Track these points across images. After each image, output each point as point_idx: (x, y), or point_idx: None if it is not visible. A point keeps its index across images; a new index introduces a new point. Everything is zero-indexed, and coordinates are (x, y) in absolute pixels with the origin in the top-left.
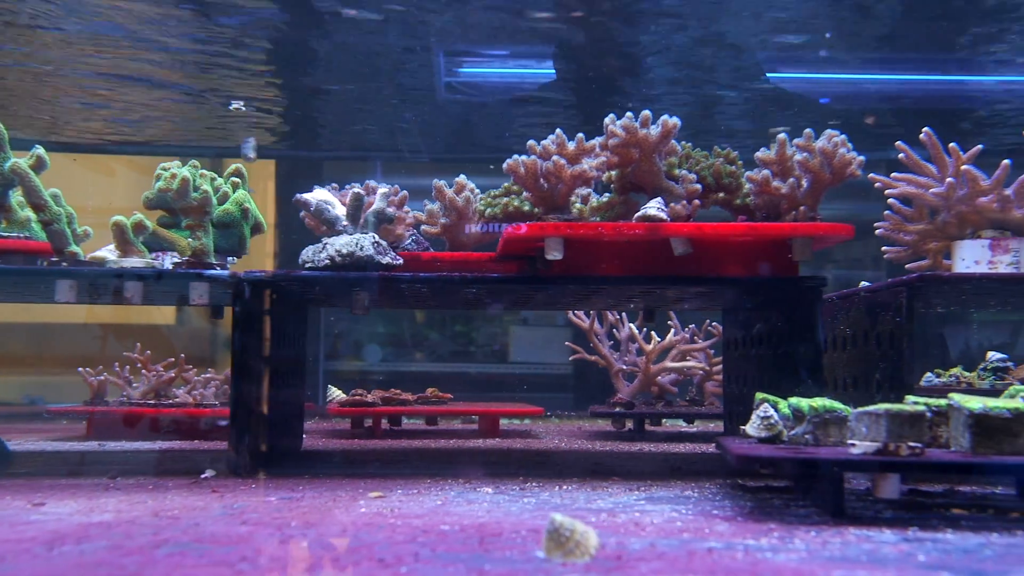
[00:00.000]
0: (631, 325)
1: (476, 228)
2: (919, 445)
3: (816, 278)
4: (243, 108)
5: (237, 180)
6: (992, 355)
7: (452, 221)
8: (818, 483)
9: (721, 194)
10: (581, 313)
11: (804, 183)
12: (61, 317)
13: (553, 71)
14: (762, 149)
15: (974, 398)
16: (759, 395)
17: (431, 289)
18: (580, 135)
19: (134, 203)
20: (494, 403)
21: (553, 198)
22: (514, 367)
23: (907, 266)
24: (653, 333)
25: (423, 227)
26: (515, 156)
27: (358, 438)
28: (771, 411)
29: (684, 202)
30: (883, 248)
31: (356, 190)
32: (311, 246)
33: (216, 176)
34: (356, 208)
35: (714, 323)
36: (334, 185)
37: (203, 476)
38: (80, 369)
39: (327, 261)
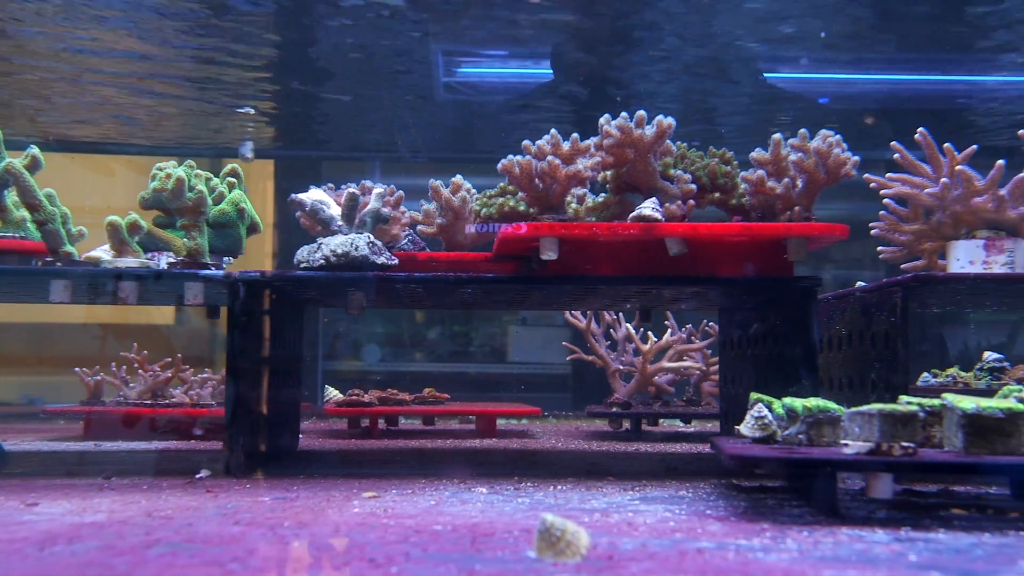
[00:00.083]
0: (628, 325)
1: (472, 228)
2: (912, 445)
3: (811, 278)
4: (252, 112)
5: (233, 180)
6: (988, 355)
7: (448, 221)
8: (812, 483)
9: (716, 194)
10: (578, 313)
11: (799, 183)
12: (60, 317)
13: (551, 71)
14: (757, 149)
15: (967, 398)
16: (754, 395)
17: (426, 289)
18: (575, 135)
19: (133, 203)
20: (491, 403)
21: (548, 198)
22: (513, 367)
23: (902, 266)
24: (650, 333)
25: (419, 227)
26: (510, 156)
27: (355, 438)
28: (765, 411)
29: (679, 202)
30: (878, 248)
31: (351, 190)
32: (306, 246)
33: (212, 176)
34: (351, 208)
35: (711, 323)
36: (330, 185)
37: (198, 476)
38: (76, 369)
39: (322, 261)
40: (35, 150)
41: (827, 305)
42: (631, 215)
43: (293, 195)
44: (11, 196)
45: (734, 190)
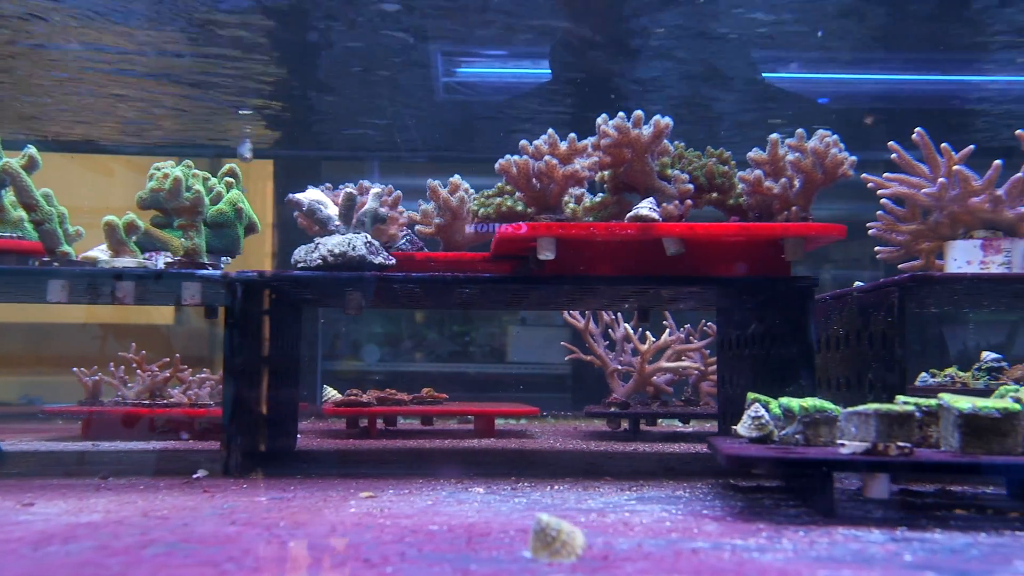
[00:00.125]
0: (626, 325)
1: (471, 228)
2: (908, 445)
3: (808, 278)
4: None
5: (231, 180)
6: (986, 355)
7: (446, 221)
8: (808, 483)
9: (714, 194)
10: (576, 313)
11: (796, 183)
12: (60, 317)
13: (549, 71)
14: (755, 149)
15: (963, 398)
16: (750, 395)
17: (424, 289)
18: (572, 135)
19: (132, 203)
20: (489, 403)
21: (545, 198)
22: (512, 367)
23: (900, 266)
24: (648, 333)
25: (417, 227)
26: (507, 156)
27: (353, 438)
28: (762, 411)
29: (676, 202)
30: (876, 248)
31: (348, 190)
32: (303, 246)
33: (210, 176)
34: (348, 208)
35: (709, 323)
36: (327, 185)
37: (195, 476)
38: (75, 369)
39: (319, 261)
40: (32, 150)
41: (825, 305)
42: (628, 215)
43: (290, 195)
44: (8, 196)
45: (732, 190)
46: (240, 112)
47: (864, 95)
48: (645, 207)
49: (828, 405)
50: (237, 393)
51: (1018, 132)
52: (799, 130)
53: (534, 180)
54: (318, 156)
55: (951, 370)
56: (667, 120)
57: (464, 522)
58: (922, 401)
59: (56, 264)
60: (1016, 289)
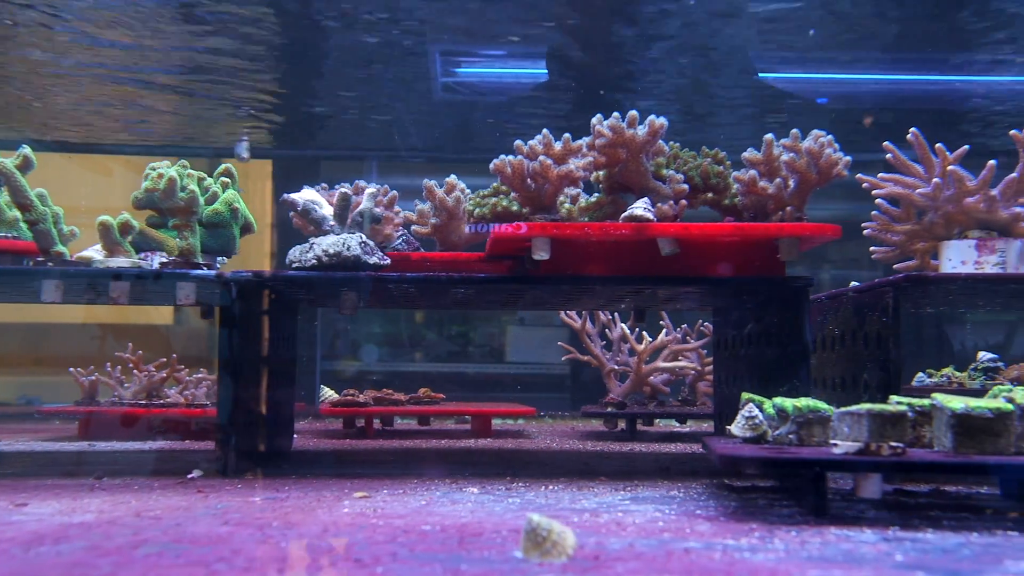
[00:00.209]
0: (623, 325)
1: (470, 228)
2: (901, 445)
3: (803, 278)
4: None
5: (227, 180)
6: (983, 355)
7: (442, 221)
8: (801, 483)
9: (709, 194)
10: (573, 313)
11: (791, 183)
12: (59, 317)
13: (546, 71)
14: (749, 149)
15: (956, 398)
16: (745, 395)
17: (419, 289)
18: (567, 135)
19: (130, 203)
20: (486, 403)
21: (540, 198)
22: (511, 367)
23: (895, 266)
24: (645, 333)
25: (414, 227)
26: (502, 156)
27: (349, 438)
28: (756, 411)
29: (671, 202)
30: (871, 248)
31: (343, 190)
32: (298, 246)
33: (205, 176)
34: (343, 208)
35: (706, 323)
36: (323, 185)
37: (190, 476)
38: (71, 369)
39: (314, 261)
40: (27, 150)
41: (820, 305)
42: (623, 215)
43: (285, 195)
44: (3, 196)
45: (727, 190)
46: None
47: (863, 95)
48: (640, 207)
49: (822, 405)
50: (232, 393)
51: (1012, 132)
52: (794, 130)
53: (529, 180)
54: (317, 156)
55: (948, 370)
56: (662, 120)
57: (457, 522)
58: (915, 401)
59: (50, 264)
60: (1011, 289)
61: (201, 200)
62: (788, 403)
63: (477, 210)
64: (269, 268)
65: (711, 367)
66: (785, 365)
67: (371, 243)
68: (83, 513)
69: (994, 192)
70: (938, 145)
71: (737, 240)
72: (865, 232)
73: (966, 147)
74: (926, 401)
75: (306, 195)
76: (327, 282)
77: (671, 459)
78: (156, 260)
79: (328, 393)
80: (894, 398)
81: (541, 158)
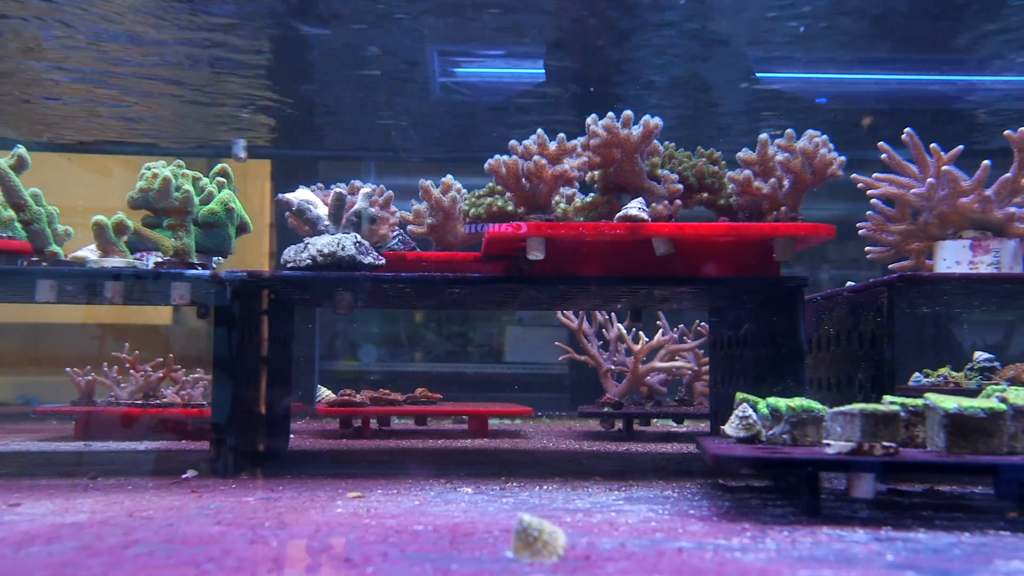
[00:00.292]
0: (619, 325)
1: (470, 229)
2: (893, 445)
3: (797, 278)
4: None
5: (222, 180)
6: (979, 355)
7: (438, 221)
8: (794, 483)
9: (704, 194)
10: (570, 313)
11: (786, 183)
12: (58, 317)
13: (543, 71)
14: (744, 149)
15: (950, 398)
16: (739, 395)
17: (414, 289)
18: (561, 135)
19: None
20: (483, 403)
21: (535, 198)
22: (510, 367)
23: (890, 266)
24: (641, 333)
25: (410, 227)
26: (497, 156)
27: (346, 438)
28: (750, 411)
29: (666, 202)
30: (866, 248)
31: (338, 190)
32: (293, 246)
33: (201, 176)
34: (338, 208)
35: (703, 323)
36: (319, 185)
37: (184, 476)
38: (68, 369)
39: (308, 261)
40: (21, 149)
41: (816, 305)
42: (617, 215)
43: (280, 195)
44: None
45: (722, 190)
46: (239, 111)
47: (862, 95)
48: (634, 207)
49: (815, 405)
50: (227, 393)
51: (1006, 133)
52: (788, 130)
53: (523, 180)
54: (315, 156)
55: (944, 370)
56: (656, 120)
57: (449, 522)
58: (908, 401)
59: (44, 264)
60: (1005, 289)
61: (196, 200)
62: (782, 403)
63: (472, 210)
64: (268, 268)
65: (708, 367)
66: (780, 365)
67: (366, 243)
68: (76, 513)
69: (988, 192)
70: (933, 145)
71: (732, 240)
72: (860, 232)
73: (960, 147)
74: (919, 401)
75: (301, 195)
76: (322, 282)
77: (666, 459)
78: (151, 260)
79: (325, 393)
80: (887, 398)
81: (536, 158)
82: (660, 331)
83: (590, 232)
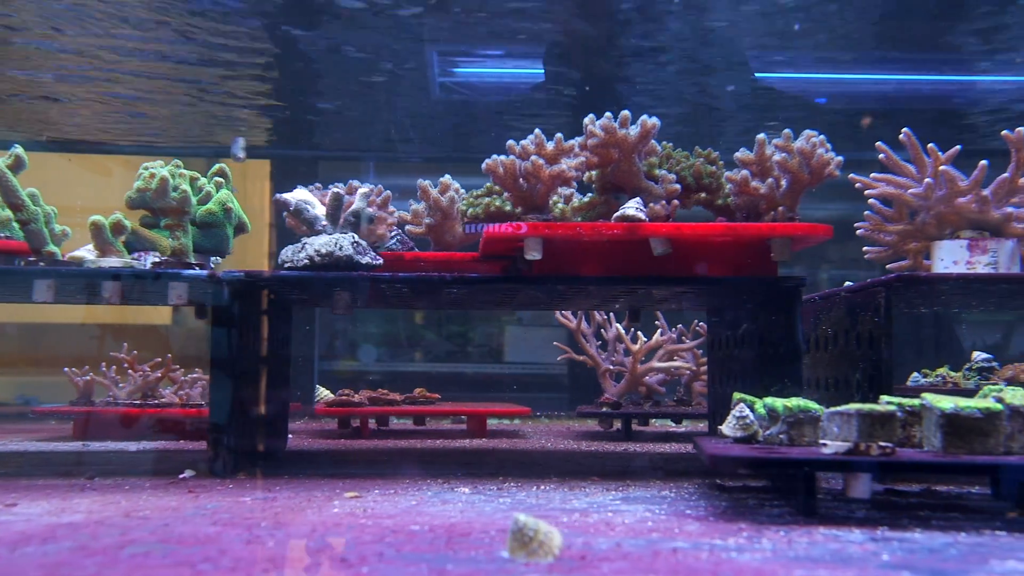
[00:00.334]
0: (618, 325)
1: (470, 228)
2: (890, 445)
3: (795, 278)
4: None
5: (221, 180)
6: (977, 355)
7: (437, 221)
8: (791, 483)
9: (702, 194)
10: (568, 313)
11: (783, 183)
12: (58, 317)
13: (542, 71)
14: (742, 149)
15: (946, 398)
16: (736, 395)
17: (411, 289)
18: (559, 135)
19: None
20: (481, 403)
21: (533, 198)
22: (510, 367)
23: (887, 266)
24: (640, 333)
25: (408, 227)
26: (494, 156)
27: (344, 438)
28: (747, 411)
29: (663, 202)
30: (864, 248)
31: (335, 190)
32: (290, 246)
33: (199, 176)
34: (336, 208)
35: (701, 323)
36: (317, 185)
37: (181, 476)
38: (66, 369)
39: (306, 261)
40: (19, 149)
41: (814, 305)
42: (615, 215)
43: (277, 195)
44: None
45: (719, 190)
46: (239, 111)
47: (861, 95)
48: (631, 207)
49: (812, 405)
50: (224, 393)
51: (1004, 133)
52: (786, 130)
53: (521, 180)
54: (315, 156)
55: (943, 370)
56: (654, 120)
57: (446, 522)
58: (905, 401)
59: (42, 264)
60: (1002, 289)
61: (194, 200)
62: (779, 403)
63: (470, 210)
64: (268, 268)
65: (706, 367)
66: (777, 365)
67: (363, 243)
68: (72, 513)
69: (986, 192)
70: (930, 145)
71: (729, 240)
72: (858, 232)
73: (958, 147)
74: (916, 401)
75: (299, 195)
76: (319, 282)
77: (664, 459)
78: (149, 260)
79: (324, 393)
80: (884, 398)
81: (533, 158)
82: (659, 331)
83: (588, 232)
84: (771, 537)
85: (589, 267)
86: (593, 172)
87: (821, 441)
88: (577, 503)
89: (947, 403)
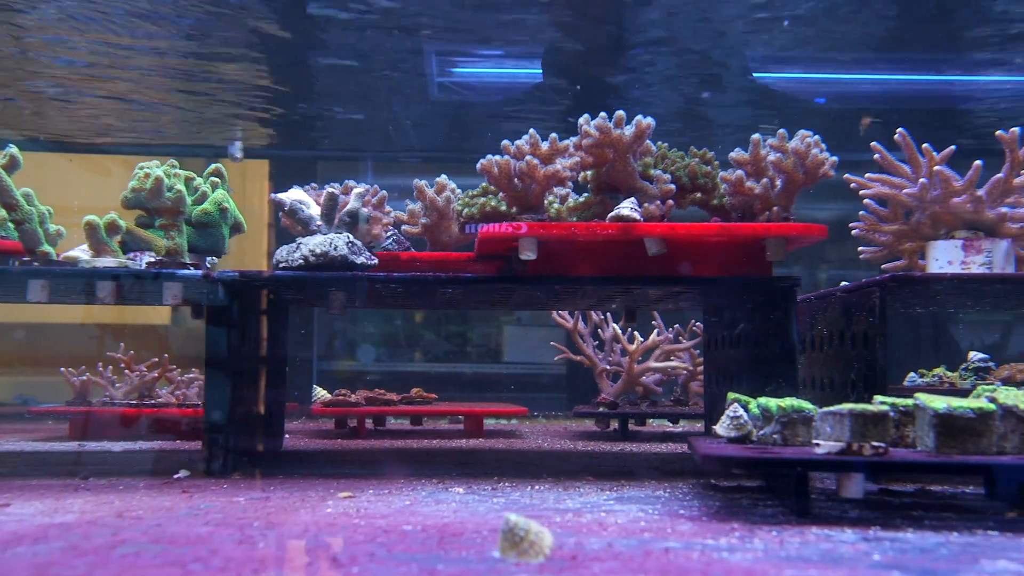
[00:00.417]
0: (614, 325)
1: (466, 228)
2: (883, 445)
3: (789, 278)
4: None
5: (216, 180)
6: (974, 355)
7: (433, 221)
8: (784, 483)
9: (697, 194)
10: (565, 313)
11: (778, 183)
12: (58, 317)
13: (540, 71)
14: (736, 149)
15: (939, 398)
16: (731, 395)
17: (406, 289)
18: (554, 135)
19: None
20: (478, 403)
21: (528, 198)
22: (508, 367)
23: (882, 266)
24: (636, 333)
25: (404, 227)
26: (489, 156)
27: (341, 438)
28: (741, 411)
29: (658, 202)
30: (859, 248)
31: (330, 190)
32: (285, 246)
33: (194, 176)
34: (331, 208)
35: (698, 323)
36: (313, 185)
37: (176, 476)
38: (62, 369)
39: (300, 261)
40: (13, 149)
41: (810, 305)
42: (609, 215)
43: (272, 195)
44: None
45: (715, 190)
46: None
47: (860, 95)
48: (626, 207)
49: (806, 405)
50: (219, 393)
51: (998, 133)
52: (780, 130)
53: (516, 180)
54: (314, 156)
55: (939, 370)
56: (649, 120)
57: (439, 522)
58: (898, 401)
59: (36, 264)
60: (997, 289)
61: (188, 200)
62: (772, 403)
63: (466, 210)
64: (267, 268)
65: (703, 367)
66: (772, 365)
67: (358, 243)
68: (65, 513)
69: (980, 192)
70: (925, 145)
71: (724, 240)
72: (853, 232)
73: (952, 147)
74: (909, 401)
75: (294, 195)
76: (314, 282)
77: (660, 459)
78: (144, 260)
79: (321, 393)
80: (878, 398)
81: (528, 158)
82: (655, 331)
83: (582, 232)
84: (763, 537)
85: (584, 267)
86: (588, 172)
87: (815, 441)
88: (571, 503)
89: (940, 403)
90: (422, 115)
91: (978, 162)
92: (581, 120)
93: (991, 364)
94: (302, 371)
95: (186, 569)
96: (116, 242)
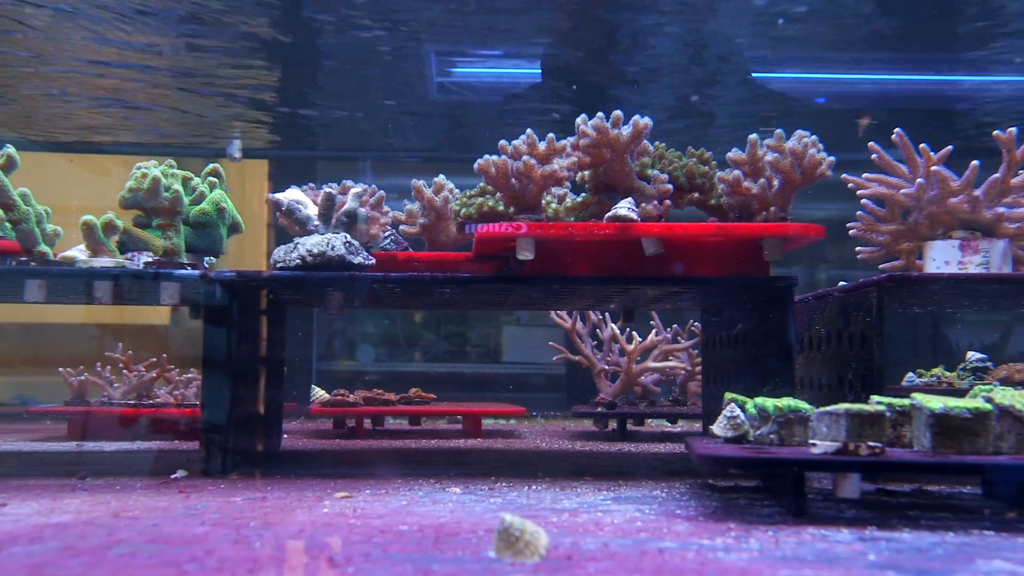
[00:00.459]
0: (613, 325)
1: (469, 228)
2: (879, 445)
3: (787, 278)
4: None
5: (214, 180)
6: (972, 355)
7: (431, 221)
8: (781, 483)
9: (695, 194)
10: (563, 313)
11: (775, 183)
12: (57, 317)
13: (539, 71)
14: (734, 149)
15: (936, 398)
16: (728, 395)
17: (403, 289)
18: (551, 135)
19: None
20: (476, 403)
21: (525, 198)
22: (508, 367)
23: (880, 266)
24: (635, 333)
25: (402, 227)
26: (486, 156)
27: (339, 438)
28: (737, 411)
29: (655, 202)
30: (857, 248)
31: (328, 190)
32: (282, 246)
33: (192, 176)
34: (328, 208)
35: (696, 323)
36: (311, 185)
37: (173, 477)
38: (60, 369)
39: (298, 261)
40: (11, 149)
41: (808, 305)
42: (607, 215)
43: (270, 195)
44: None
45: (712, 190)
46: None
47: (859, 95)
48: (623, 207)
49: (803, 405)
50: (217, 393)
51: (995, 133)
52: (778, 130)
53: (513, 180)
54: (313, 156)
55: (937, 370)
56: (646, 120)
57: (435, 522)
58: (895, 401)
59: (33, 264)
60: (994, 289)
61: (186, 200)
62: (769, 403)
63: (463, 210)
64: (266, 268)
65: (701, 367)
66: (769, 365)
67: (356, 243)
68: (61, 514)
69: (978, 192)
70: (922, 145)
71: (721, 240)
72: (850, 232)
73: (950, 147)
74: (906, 401)
75: (291, 195)
76: (311, 282)
77: (657, 459)
78: (141, 260)
79: (319, 393)
80: (875, 398)
81: (525, 158)
82: (653, 331)
83: (580, 232)
84: (759, 537)
85: (582, 267)
86: (586, 172)
87: (811, 441)
88: (568, 503)
89: (936, 403)
90: (422, 115)
91: (975, 162)
92: (578, 120)
93: (989, 364)
94: (301, 371)
95: (181, 569)
96: (113, 242)
